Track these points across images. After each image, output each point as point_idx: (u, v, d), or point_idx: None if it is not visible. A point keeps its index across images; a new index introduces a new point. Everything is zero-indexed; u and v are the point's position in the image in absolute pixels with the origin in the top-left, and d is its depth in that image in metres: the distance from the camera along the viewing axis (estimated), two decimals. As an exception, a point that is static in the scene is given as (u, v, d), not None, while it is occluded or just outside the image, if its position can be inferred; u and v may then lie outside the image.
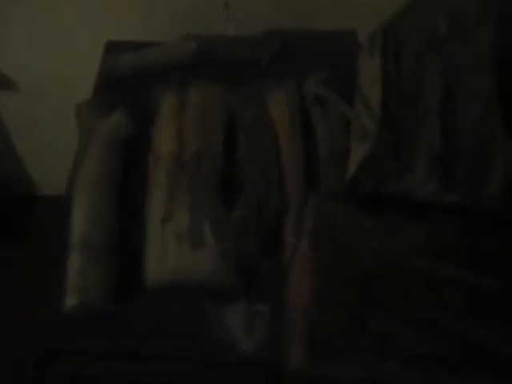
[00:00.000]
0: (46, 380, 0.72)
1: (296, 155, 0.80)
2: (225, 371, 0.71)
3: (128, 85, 0.89)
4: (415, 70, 0.72)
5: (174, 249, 0.73)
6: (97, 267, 0.71)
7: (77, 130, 0.84)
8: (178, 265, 0.73)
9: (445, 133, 0.65)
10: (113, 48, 0.96)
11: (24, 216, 1.44)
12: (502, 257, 0.62)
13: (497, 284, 0.59)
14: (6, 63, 1.18)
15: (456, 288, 0.58)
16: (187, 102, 0.84)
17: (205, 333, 0.71)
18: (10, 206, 1.40)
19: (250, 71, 0.90)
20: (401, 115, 0.68)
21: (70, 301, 0.70)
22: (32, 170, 1.43)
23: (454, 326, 0.57)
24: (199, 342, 0.71)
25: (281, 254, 0.74)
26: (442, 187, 0.63)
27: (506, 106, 0.74)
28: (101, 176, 0.78)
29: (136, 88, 0.89)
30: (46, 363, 0.71)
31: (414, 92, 0.69)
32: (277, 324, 0.69)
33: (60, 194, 0.83)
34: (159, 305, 0.72)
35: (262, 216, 0.75)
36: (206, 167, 0.78)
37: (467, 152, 0.67)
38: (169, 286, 0.72)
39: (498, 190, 0.67)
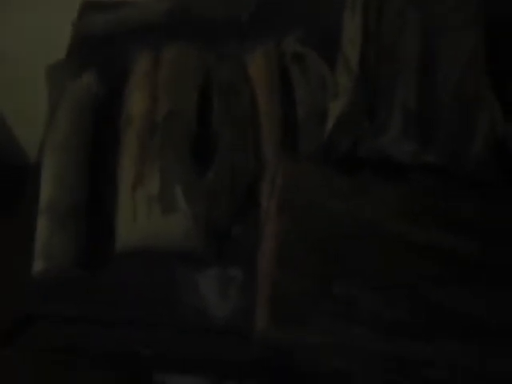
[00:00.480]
0: (15, 345, 0.71)
1: (274, 116, 0.77)
2: (198, 337, 0.70)
3: (101, 46, 0.86)
4: (395, 26, 0.69)
5: (144, 213, 0.70)
6: (63, 232, 0.69)
7: (47, 92, 0.82)
8: (148, 229, 0.70)
9: (422, 90, 0.62)
10: (88, 8, 0.92)
11: (14, 185, 1.41)
12: (482, 221, 0.60)
13: (476, 249, 0.57)
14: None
15: (433, 253, 0.56)
16: (161, 62, 0.81)
17: (176, 299, 0.69)
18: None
19: (227, 30, 0.87)
20: (379, 72, 0.65)
21: (37, 266, 0.68)
22: (22, 139, 1.41)
23: (431, 294, 0.55)
24: (171, 307, 0.69)
25: (257, 219, 0.72)
26: (419, 147, 0.60)
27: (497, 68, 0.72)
28: (69, 137, 0.75)
29: (109, 49, 0.85)
30: (16, 328, 0.70)
31: (392, 48, 0.66)
32: (251, 290, 0.67)
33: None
34: (130, 269, 0.70)
35: (237, 179, 0.72)
36: (178, 129, 0.75)
37: (448, 110, 0.65)
38: (139, 250, 0.70)
39: (483, 150, 0.65)
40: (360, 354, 0.55)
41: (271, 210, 0.61)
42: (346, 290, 0.53)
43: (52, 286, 0.70)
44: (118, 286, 0.69)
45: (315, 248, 0.56)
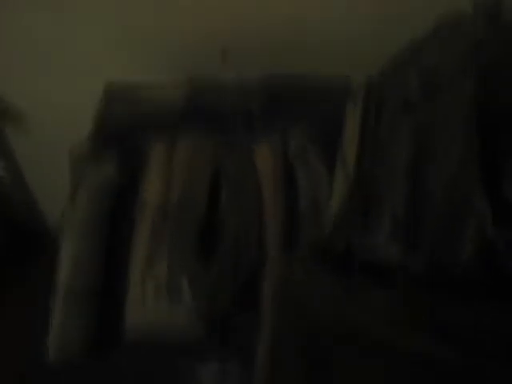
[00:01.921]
0: None
1: (277, 207, 0.82)
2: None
3: (121, 133, 0.93)
4: (389, 130, 0.73)
5: (152, 301, 0.75)
6: (77, 318, 0.74)
7: (69, 173, 0.88)
8: (156, 318, 0.75)
9: (411, 197, 0.66)
10: (110, 92, 0.99)
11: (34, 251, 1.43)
12: (468, 330, 0.62)
13: (460, 360, 0.59)
14: (17, 101, 1.24)
15: (415, 362, 0.59)
16: (175, 152, 0.87)
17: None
18: (22, 241, 1.42)
19: (239, 120, 0.93)
20: (373, 174, 0.70)
21: (51, 355, 0.73)
22: (44, 206, 1.47)
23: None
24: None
25: (258, 307, 0.76)
26: (405, 251, 0.64)
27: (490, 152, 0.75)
28: (87, 221, 0.81)
29: (128, 136, 0.92)
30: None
31: (386, 149, 0.71)
32: (249, 381, 0.70)
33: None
34: (136, 357, 0.74)
35: (239, 271, 0.77)
36: (188, 218, 0.80)
37: (437, 216, 0.68)
38: (147, 337, 0.75)
39: (471, 255, 0.67)
40: None
41: (265, 310, 0.65)
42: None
43: (62, 371, 0.74)
44: (124, 374, 0.73)
45: (305, 352, 0.59)
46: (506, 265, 0.68)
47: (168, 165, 0.86)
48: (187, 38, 1.09)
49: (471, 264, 0.67)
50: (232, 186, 0.84)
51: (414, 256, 0.64)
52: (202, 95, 0.96)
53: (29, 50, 1.15)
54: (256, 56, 1.06)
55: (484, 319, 0.61)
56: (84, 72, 1.14)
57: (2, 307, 1.21)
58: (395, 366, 0.58)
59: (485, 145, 0.74)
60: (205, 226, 0.81)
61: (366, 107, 0.81)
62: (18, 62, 1.17)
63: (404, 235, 0.64)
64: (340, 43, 1.06)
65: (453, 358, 0.58)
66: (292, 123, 0.91)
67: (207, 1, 1.06)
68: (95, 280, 0.79)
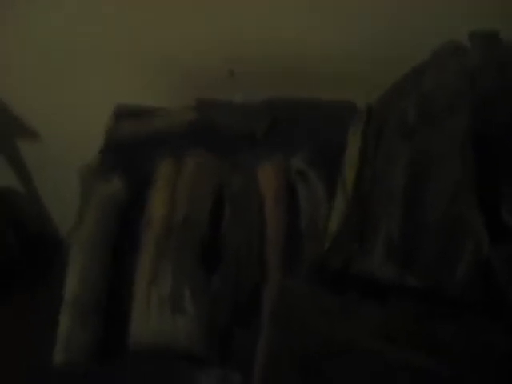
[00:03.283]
0: None
1: (279, 225, 0.85)
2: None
3: (129, 151, 0.97)
4: (387, 155, 0.77)
5: (156, 312, 0.78)
6: (83, 328, 0.77)
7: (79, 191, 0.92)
8: (160, 328, 0.77)
9: (406, 219, 0.68)
10: (120, 112, 1.03)
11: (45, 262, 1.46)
12: (458, 346, 0.64)
13: (448, 374, 0.62)
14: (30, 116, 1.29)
15: (406, 376, 0.61)
16: (181, 170, 0.91)
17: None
18: (34, 252, 1.44)
19: (243, 142, 0.96)
20: (371, 196, 0.73)
21: (57, 358, 0.75)
22: (57, 217, 1.50)
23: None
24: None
25: (258, 322, 0.78)
26: (400, 272, 0.66)
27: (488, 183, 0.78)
28: (95, 236, 0.84)
29: (136, 154, 0.96)
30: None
31: (383, 177, 0.74)
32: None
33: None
34: (140, 367, 0.76)
35: (240, 286, 0.79)
36: (191, 234, 0.83)
37: (434, 236, 0.70)
38: (151, 348, 0.78)
39: (467, 275, 0.69)
40: None
41: (264, 324, 0.68)
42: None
43: (67, 377, 0.76)
44: (126, 381, 0.76)
45: (299, 367, 0.62)
46: (501, 285, 0.70)
47: (173, 183, 0.89)
48: (197, 63, 1.13)
49: (466, 284, 0.70)
50: (235, 205, 0.87)
51: (408, 276, 0.67)
52: (208, 118, 1.00)
53: (42, 66, 1.19)
54: (262, 79, 1.10)
55: (474, 337, 0.64)
56: (95, 92, 1.18)
57: (12, 316, 1.24)
58: (385, 377, 0.61)
59: (482, 168, 0.77)
60: (208, 244, 0.84)
61: (366, 132, 0.84)
62: (32, 77, 1.21)
63: (398, 257, 0.67)
64: (341, 67, 1.09)
65: (441, 370, 0.61)
66: (294, 146, 0.94)
67: (218, 26, 1.10)
68: (101, 294, 0.81)
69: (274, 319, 0.66)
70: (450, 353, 0.63)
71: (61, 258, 0.85)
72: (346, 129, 0.87)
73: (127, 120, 1.01)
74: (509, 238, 0.73)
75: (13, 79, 1.22)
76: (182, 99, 1.14)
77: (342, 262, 0.71)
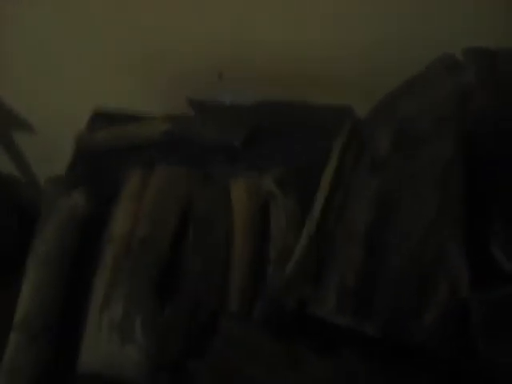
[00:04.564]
0: None
1: (246, 251, 0.80)
2: None
3: (100, 160, 0.92)
4: (354, 190, 0.69)
5: (106, 338, 0.74)
6: (30, 352, 0.73)
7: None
8: (108, 355, 0.73)
9: (367, 265, 0.62)
10: (96, 118, 0.99)
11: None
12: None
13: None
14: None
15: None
16: (149, 184, 0.85)
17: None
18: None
19: (219, 154, 0.90)
20: (333, 235, 0.66)
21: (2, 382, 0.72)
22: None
23: None
24: None
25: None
26: (355, 321, 0.60)
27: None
28: (52, 253, 0.80)
29: (107, 164, 0.91)
30: None
31: (348, 213, 0.67)
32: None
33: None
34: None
35: (196, 316, 0.74)
36: (150, 256, 0.78)
37: (399, 280, 0.64)
38: (98, 375, 0.73)
39: (437, 322, 0.62)
40: None
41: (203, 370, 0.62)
42: None
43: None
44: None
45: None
46: (472, 334, 0.63)
47: (139, 198, 0.84)
48: (186, 64, 1.08)
49: (436, 330, 0.63)
50: (200, 226, 0.81)
51: (364, 325, 0.60)
52: (186, 131, 0.94)
53: (30, 66, 1.16)
54: (252, 81, 1.05)
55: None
56: (81, 92, 1.14)
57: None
58: None
59: (470, 198, 0.70)
60: (167, 266, 0.78)
61: (344, 151, 0.77)
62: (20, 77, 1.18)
63: (352, 304, 0.60)
64: (333, 69, 1.02)
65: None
66: (273, 160, 0.88)
67: (207, 27, 1.05)
68: (53, 315, 0.77)
69: (213, 364, 0.60)
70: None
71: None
72: (332, 140, 0.80)
73: (101, 127, 0.96)
74: (498, 279, 0.66)
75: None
76: (170, 100, 1.11)
77: (297, 302, 0.64)
